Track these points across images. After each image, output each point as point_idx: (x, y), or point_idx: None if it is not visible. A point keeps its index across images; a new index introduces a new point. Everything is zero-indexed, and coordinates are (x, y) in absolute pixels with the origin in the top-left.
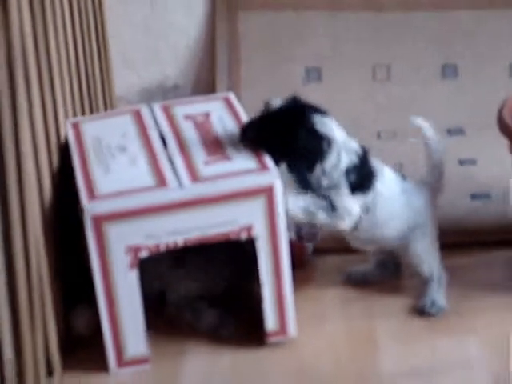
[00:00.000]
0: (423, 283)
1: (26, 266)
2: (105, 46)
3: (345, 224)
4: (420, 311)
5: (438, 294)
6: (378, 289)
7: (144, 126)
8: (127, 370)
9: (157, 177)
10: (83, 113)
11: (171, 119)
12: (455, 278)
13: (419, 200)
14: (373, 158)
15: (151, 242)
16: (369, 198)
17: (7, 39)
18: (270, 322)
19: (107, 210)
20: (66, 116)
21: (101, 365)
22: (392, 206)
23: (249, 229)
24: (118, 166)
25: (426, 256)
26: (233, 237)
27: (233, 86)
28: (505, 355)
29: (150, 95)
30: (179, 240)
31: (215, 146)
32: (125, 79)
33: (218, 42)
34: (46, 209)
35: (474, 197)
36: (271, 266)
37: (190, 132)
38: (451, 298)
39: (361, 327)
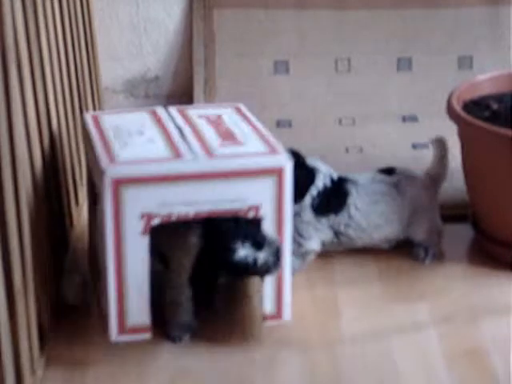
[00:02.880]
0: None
1: (18, 234)
2: (92, 41)
3: (313, 246)
4: (415, 257)
5: (434, 248)
6: (338, 257)
7: (161, 119)
8: (127, 337)
9: (173, 151)
10: (72, 101)
11: (186, 117)
12: (407, 249)
13: (412, 192)
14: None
15: (164, 211)
16: (343, 216)
17: (1, 34)
18: (268, 305)
19: (125, 174)
20: (56, 104)
21: (95, 331)
22: (374, 214)
23: (257, 208)
24: (136, 143)
25: (427, 234)
26: (241, 214)
27: (208, 77)
28: (450, 319)
29: (133, 86)
30: (190, 211)
31: (227, 135)
32: (110, 71)
33: (195, 37)
34: (38, 186)
35: None
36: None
37: (204, 125)
38: (403, 267)
39: (324, 295)
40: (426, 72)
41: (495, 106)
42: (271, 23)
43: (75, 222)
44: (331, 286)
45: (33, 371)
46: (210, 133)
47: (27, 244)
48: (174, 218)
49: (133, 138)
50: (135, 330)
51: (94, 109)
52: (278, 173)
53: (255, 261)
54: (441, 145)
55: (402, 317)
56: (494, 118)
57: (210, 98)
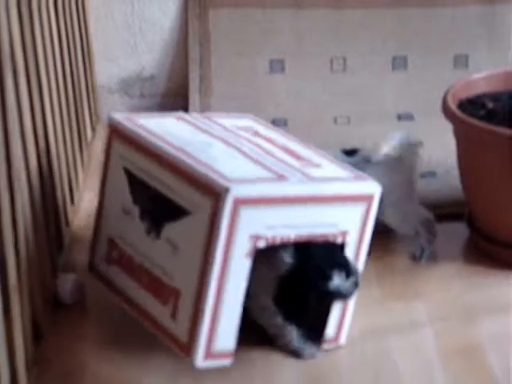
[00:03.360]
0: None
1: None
2: (87, 41)
3: None
4: (412, 256)
5: (426, 242)
6: None
7: (200, 128)
8: (210, 363)
9: (271, 171)
10: (67, 100)
11: (223, 127)
12: (403, 249)
13: (370, 174)
14: None
15: (270, 233)
16: None
17: None
18: (329, 329)
19: (246, 195)
20: (51, 104)
21: (91, 330)
22: None
23: (344, 234)
24: (222, 158)
25: (402, 221)
26: (331, 239)
27: (204, 76)
28: (447, 317)
29: (128, 85)
30: (292, 234)
31: (295, 155)
32: (105, 70)
33: (191, 36)
34: (33, 186)
35: (421, 175)
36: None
37: (258, 141)
38: (400, 267)
39: None
40: (421, 71)
41: (491, 105)
42: (268, 23)
43: (70, 221)
44: None
45: (28, 368)
46: (276, 150)
47: (22, 241)
48: (277, 241)
49: (209, 152)
50: (220, 355)
51: (90, 109)
52: (368, 200)
53: (346, 290)
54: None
55: (399, 316)
56: (490, 116)
57: (205, 97)
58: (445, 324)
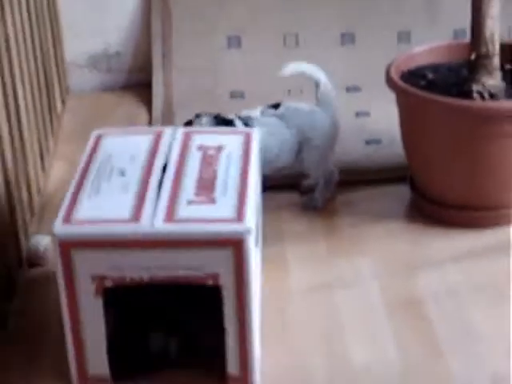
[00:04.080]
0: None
1: None
2: (56, 19)
3: None
4: (303, 205)
5: (319, 195)
6: (287, 216)
7: (156, 151)
8: None
9: (135, 210)
10: (37, 75)
11: (185, 148)
12: (351, 209)
13: (296, 122)
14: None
15: (116, 274)
16: None
17: None
18: (232, 367)
19: (75, 237)
20: (21, 74)
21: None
22: (272, 145)
23: (215, 277)
24: (107, 190)
25: (314, 166)
26: (199, 282)
27: (166, 52)
28: (389, 272)
29: (95, 60)
30: (145, 276)
31: (207, 184)
32: (74, 47)
33: (153, 15)
34: (5, 158)
35: (367, 142)
36: (235, 316)
37: (193, 166)
38: (346, 226)
39: (273, 251)
40: (367, 46)
41: (431, 76)
42: (225, 1)
43: (42, 188)
44: (281, 243)
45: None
46: (190, 180)
47: None
48: (127, 282)
49: (110, 182)
50: (95, 380)
51: (60, 82)
52: (237, 244)
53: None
54: (297, 71)
55: (345, 271)
56: (430, 86)
57: (167, 72)
58: (388, 278)
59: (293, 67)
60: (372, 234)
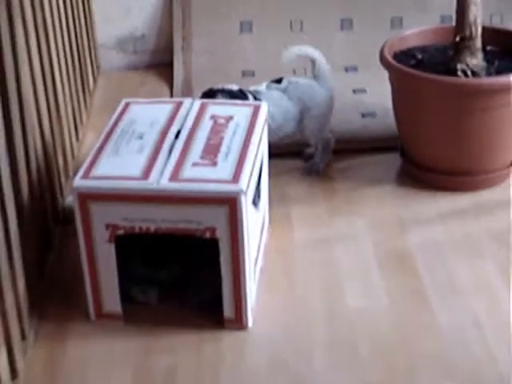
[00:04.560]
0: (313, 150)
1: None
2: (89, 6)
3: None
4: (306, 170)
5: (319, 160)
6: (291, 182)
7: (173, 118)
8: (103, 322)
9: (146, 169)
10: (72, 56)
11: (199, 117)
12: (348, 174)
13: (297, 93)
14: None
15: (127, 224)
16: None
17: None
18: (228, 311)
19: (91, 190)
20: (58, 59)
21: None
22: (277, 115)
23: (212, 230)
24: (125, 151)
25: (314, 133)
26: (198, 234)
27: (186, 35)
28: (383, 229)
29: (123, 42)
30: (151, 227)
31: (212, 150)
32: (104, 30)
33: (174, 2)
34: (44, 131)
35: (363, 115)
36: (230, 266)
37: (203, 132)
38: (344, 189)
39: (278, 212)
40: (364, 31)
41: (420, 56)
42: None
43: (75, 155)
44: (286, 205)
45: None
46: (198, 145)
47: (34, 170)
48: (136, 231)
49: (129, 144)
50: (109, 316)
51: (92, 62)
52: (231, 201)
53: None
54: (295, 54)
55: (342, 228)
56: (419, 65)
57: (187, 52)
58: (380, 234)
59: (289, 53)
60: (366, 197)
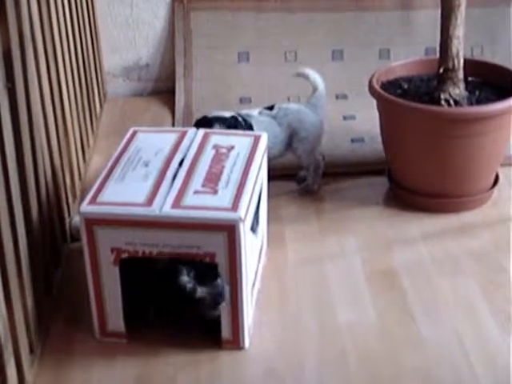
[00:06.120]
0: (306, 173)
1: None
2: (96, 36)
3: None
4: (300, 192)
5: (312, 181)
6: (284, 201)
7: (178, 147)
8: (107, 340)
9: (150, 196)
10: (80, 83)
11: (202, 146)
12: (338, 196)
13: (287, 120)
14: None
15: (131, 248)
16: None
17: (19, 27)
18: (226, 332)
19: (97, 216)
20: (67, 86)
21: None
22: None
23: (212, 255)
24: (131, 178)
25: (304, 154)
26: (198, 259)
27: (187, 64)
28: (369, 248)
29: (128, 71)
30: (154, 251)
31: (214, 178)
32: (111, 60)
33: (176, 33)
34: (52, 146)
35: (352, 141)
36: (229, 289)
37: (205, 161)
38: (335, 210)
39: (273, 231)
40: (354, 61)
41: (406, 86)
42: (236, 23)
43: (82, 176)
44: (280, 224)
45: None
46: (200, 174)
47: (43, 189)
48: (139, 255)
49: (134, 171)
50: (113, 334)
51: (99, 90)
52: (230, 229)
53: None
54: (305, 75)
55: (333, 247)
56: (405, 94)
57: (188, 81)
58: (369, 253)
59: (303, 70)
60: (356, 217)
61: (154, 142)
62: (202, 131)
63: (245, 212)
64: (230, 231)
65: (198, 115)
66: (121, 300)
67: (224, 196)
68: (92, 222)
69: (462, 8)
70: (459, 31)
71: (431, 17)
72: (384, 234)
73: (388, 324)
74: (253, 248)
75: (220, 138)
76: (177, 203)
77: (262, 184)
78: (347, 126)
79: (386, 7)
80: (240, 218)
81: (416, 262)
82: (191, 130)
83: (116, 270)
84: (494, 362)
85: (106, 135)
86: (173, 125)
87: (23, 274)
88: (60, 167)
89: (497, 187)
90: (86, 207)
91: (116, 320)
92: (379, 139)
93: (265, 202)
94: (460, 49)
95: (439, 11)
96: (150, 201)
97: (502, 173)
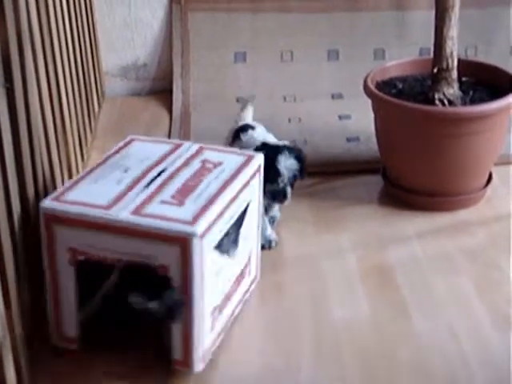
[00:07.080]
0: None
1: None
2: (94, 36)
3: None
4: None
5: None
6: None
7: (165, 158)
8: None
9: (114, 200)
10: (79, 83)
11: (190, 159)
12: (334, 195)
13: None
14: None
15: (88, 250)
16: None
17: (17, 27)
18: (177, 353)
19: (56, 212)
20: (66, 86)
21: None
22: None
23: (165, 268)
24: (105, 181)
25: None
26: (152, 270)
27: (184, 64)
28: (365, 245)
29: (126, 71)
30: (112, 256)
31: (187, 191)
32: (109, 59)
33: (174, 33)
34: (50, 148)
35: (348, 140)
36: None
37: (186, 174)
38: (330, 208)
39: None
40: (349, 61)
41: (400, 86)
42: (232, 23)
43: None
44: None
45: None
46: (176, 184)
47: (41, 187)
48: (96, 258)
49: (111, 175)
50: (67, 339)
51: (97, 89)
52: (183, 242)
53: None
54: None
55: (329, 244)
56: (399, 94)
57: (185, 80)
58: (363, 250)
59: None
60: (351, 215)
61: (145, 150)
62: (196, 145)
63: (205, 227)
64: (183, 245)
65: (195, 114)
66: (75, 302)
67: (188, 209)
68: (51, 219)
69: (456, 9)
70: (453, 32)
71: (426, 17)
72: (379, 232)
73: (383, 320)
74: (220, 270)
75: (212, 153)
76: (138, 210)
77: (248, 205)
78: (342, 126)
79: (381, 8)
80: (195, 233)
81: (410, 260)
82: (186, 143)
83: (72, 271)
84: (488, 356)
85: (104, 134)
86: (170, 124)
87: (20, 270)
88: (58, 166)
89: (490, 185)
90: (46, 203)
91: (69, 324)
92: (374, 138)
93: (255, 228)
94: (454, 49)
95: (433, 12)
96: (111, 205)
97: (496, 171)
